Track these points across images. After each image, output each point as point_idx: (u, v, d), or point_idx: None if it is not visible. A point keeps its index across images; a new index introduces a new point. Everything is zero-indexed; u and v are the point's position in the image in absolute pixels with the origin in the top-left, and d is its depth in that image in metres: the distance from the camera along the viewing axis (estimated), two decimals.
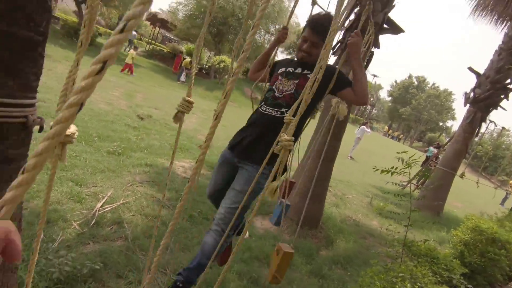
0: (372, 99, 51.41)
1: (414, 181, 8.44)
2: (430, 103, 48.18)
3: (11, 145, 0.79)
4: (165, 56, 19.59)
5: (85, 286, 1.63)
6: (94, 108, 5.21)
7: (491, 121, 6.85)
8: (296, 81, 1.65)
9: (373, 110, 57.06)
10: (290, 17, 2.11)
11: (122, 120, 5.17)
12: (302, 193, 3.55)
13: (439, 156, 8.42)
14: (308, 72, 1.64)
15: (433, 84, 51.39)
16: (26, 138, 0.84)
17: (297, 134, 1.62)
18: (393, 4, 3.49)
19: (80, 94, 0.26)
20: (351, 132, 12.88)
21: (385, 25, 3.56)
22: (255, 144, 1.60)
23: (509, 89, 6.13)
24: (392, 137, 43.01)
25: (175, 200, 3.06)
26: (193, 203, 3.11)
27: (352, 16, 3.34)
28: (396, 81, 54.53)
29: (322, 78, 1.63)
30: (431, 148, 11.05)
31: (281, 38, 1.84)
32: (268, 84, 1.83)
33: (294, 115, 1.48)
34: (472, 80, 6.62)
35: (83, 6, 14.37)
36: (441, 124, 51.03)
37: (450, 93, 48.90)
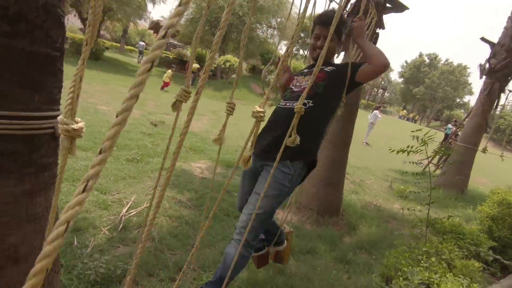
0: (383, 82, 50.19)
1: (434, 161, 8.23)
2: (445, 80, 46.52)
3: (44, 154, 0.86)
4: (171, 62, 19.87)
5: (119, 286, 1.72)
6: (109, 119, 5.38)
7: (510, 91, 6.59)
8: (307, 76, 1.65)
9: (385, 93, 55.69)
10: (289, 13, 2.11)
11: (137, 129, 5.31)
12: (319, 181, 3.55)
13: (458, 133, 8.17)
14: (324, 66, 1.62)
15: (446, 60, 49.57)
16: (55, 148, 0.91)
17: (319, 126, 1.57)
18: None
19: (136, 88, 0.32)
20: (364, 117, 12.66)
21: (388, 4, 3.50)
22: (277, 142, 1.41)
23: None
24: (408, 119, 41.90)
25: (195, 200, 3.14)
26: (213, 201, 3.18)
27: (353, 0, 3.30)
28: (406, 61, 52.98)
29: (338, 69, 1.60)
30: (449, 125, 10.73)
31: (286, 80, 1.79)
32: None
33: (307, 105, 1.48)
34: (486, 51, 6.37)
35: None
36: (458, 100, 49.23)
37: (465, 67, 47.02)
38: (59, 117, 0.54)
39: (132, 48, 30.88)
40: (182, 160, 4.31)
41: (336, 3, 2.79)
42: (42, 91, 0.82)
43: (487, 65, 6.16)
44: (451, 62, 48.65)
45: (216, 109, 10.29)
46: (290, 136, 1.03)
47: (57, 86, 0.88)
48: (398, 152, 2.17)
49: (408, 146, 2.06)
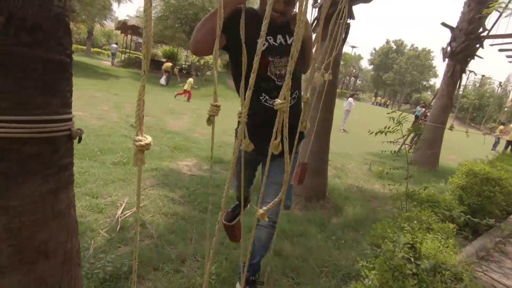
0: (354, 70, 51.66)
1: (408, 142, 8.73)
2: (411, 65, 48.72)
3: (63, 155, 0.92)
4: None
5: (127, 282, 1.78)
6: (87, 125, 5.25)
7: (471, 71, 7.11)
8: (287, 58, 1.43)
9: (358, 81, 57.38)
10: None
11: (118, 132, 5.23)
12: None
13: (427, 114, 8.69)
14: (292, 40, 1.40)
15: (412, 45, 51.86)
16: (71, 148, 0.97)
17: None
18: None
19: None
20: (339, 106, 13.08)
21: None
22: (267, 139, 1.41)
23: (483, 37, 6.35)
24: (379, 104, 43.55)
25: (187, 196, 3.20)
26: (205, 196, 3.26)
27: None
28: (375, 49, 54.82)
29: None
30: (418, 107, 11.34)
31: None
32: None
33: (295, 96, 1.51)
34: (448, 35, 6.82)
35: None
36: (424, 83, 51.78)
37: (429, 51, 49.46)
38: (135, 137, 0.60)
39: (99, 50, 29.60)
40: (169, 159, 4.33)
41: None
42: (58, 96, 0.88)
43: (449, 49, 6.61)
44: (416, 47, 50.94)
45: (195, 107, 10.24)
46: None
47: (69, 90, 0.94)
48: (376, 133, 2.36)
49: (385, 127, 2.24)
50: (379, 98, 49.70)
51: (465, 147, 12.74)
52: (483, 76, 8.11)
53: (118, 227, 2.38)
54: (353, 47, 41.49)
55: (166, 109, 8.93)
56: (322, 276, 2.19)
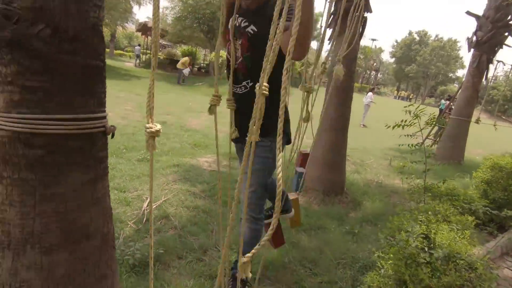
0: (375, 63, 50.18)
1: (431, 136, 8.45)
2: (436, 56, 46.65)
3: (100, 149, 1.04)
4: (163, 63, 19.85)
5: (154, 268, 1.92)
6: (113, 124, 5.52)
7: (499, 61, 6.78)
8: (239, 41, 1.41)
9: (378, 75, 55.72)
10: None
11: (141, 131, 5.47)
12: (322, 164, 3.75)
13: (452, 107, 8.37)
14: (246, 24, 1.38)
15: (436, 36, 49.63)
16: (106, 143, 1.09)
17: (272, 96, 1.52)
18: None
19: None
20: (358, 101, 12.83)
21: None
22: (244, 126, 1.30)
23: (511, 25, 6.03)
24: (402, 98, 42.13)
25: (208, 191, 3.33)
26: (224, 190, 3.37)
27: None
28: (396, 41, 52.96)
29: (261, 30, 1.27)
30: (443, 101, 10.93)
31: None
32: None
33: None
34: (473, 24, 6.53)
35: None
36: (450, 75, 49.45)
37: (455, 41, 47.12)
38: (146, 125, 0.71)
39: (122, 52, 30.64)
40: (189, 156, 4.49)
41: None
42: (94, 97, 1.00)
43: (474, 38, 6.33)
44: (441, 38, 48.71)
45: None
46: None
47: (103, 92, 1.05)
48: (393, 127, 2.36)
49: (402, 121, 2.24)
50: (402, 92, 48.08)
51: (494, 141, 12.13)
52: None
53: (144, 219, 2.54)
54: (373, 40, 40.35)
55: (185, 108, 9.18)
56: (339, 268, 2.24)
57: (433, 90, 50.47)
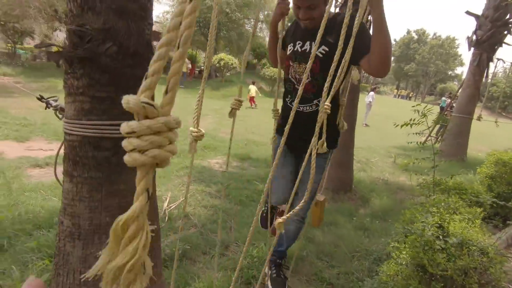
0: None
1: (433, 135, 8.58)
2: (435, 54, 46.83)
3: None
4: (164, 67, 19.95)
5: (182, 262, 2.05)
6: None
7: (499, 59, 6.89)
8: (304, 65, 1.46)
9: None
10: None
11: None
12: (331, 162, 3.87)
13: (453, 105, 8.50)
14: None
15: (434, 34, 49.80)
16: None
17: (335, 113, 1.56)
18: None
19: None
20: (361, 100, 12.98)
21: None
22: (306, 142, 1.19)
23: (511, 23, 6.17)
24: (402, 97, 42.27)
25: (222, 191, 3.45)
26: (237, 190, 3.50)
27: None
28: (395, 40, 53.14)
29: (334, 49, 1.13)
30: (443, 98, 11.05)
31: (283, 10, 1.46)
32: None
33: (330, 101, 1.51)
34: (473, 22, 6.66)
35: None
36: (450, 73, 49.60)
37: (453, 39, 47.29)
38: (190, 128, 0.85)
39: None
40: (200, 158, 4.62)
41: None
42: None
43: (474, 37, 6.46)
44: (439, 36, 48.89)
45: (218, 107, 10.56)
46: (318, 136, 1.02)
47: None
48: (402, 126, 2.48)
49: (410, 120, 2.37)
50: (402, 90, 48.22)
51: (496, 138, 12.24)
52: None
53: (166, 218, 2.66)
54: None
55: (190, 111, 9.29)
56: (354, 260, 2.36)
57: (433, 88, 50.62)
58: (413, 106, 2.42)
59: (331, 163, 3.83)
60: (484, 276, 1.35)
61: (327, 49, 1.38)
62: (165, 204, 2.87)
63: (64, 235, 1.05)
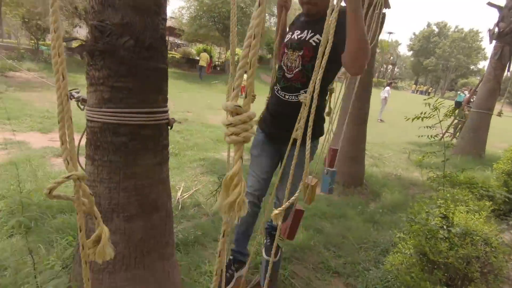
0: (391, 57, 49.01)
1: (451, 130, 8.35)
2: (456, 48, 45.05)
3: (164, 137, 1.26)
4: (179, 62, 20.24)
5: (194, 248, 2.15)
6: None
7: None
8: (299, 53, 1.39)
9: (395, 69, 54.40)
10: None
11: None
12: (342, 156, 3.88)
13: (472, 100, 8.23)
14: (312, 34, 1.37)
15: (456, 27, 47.86)
16: (168, 133, 1.30)
17: (321, 104, 1.50)
18: None
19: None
20: (376, 96, 12.74)
21: None
22: (290, 131, 1.16)
23: None
24: (421, 92, 41.05)
25: None
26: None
27: None
28: (414, 33, 51.46)
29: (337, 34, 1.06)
30: (459, 92, 10.70)
31: (283, 4, 1.54)
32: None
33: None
34: (496, 14, 6.42)
35: None
36: (472, 67, 47.65)
37: (477, 32, 45.29)
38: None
39: None
40: (213, 150, 4.73)
41: None
42: (161, 94, 1.21)
43: (496, 29, 6.22)
44: (462, 29, 46.93)
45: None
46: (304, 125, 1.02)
47: (167, 90, 1.26)
48: (413, 119, 2.47)
49: (421, 113, 2.35)
50: (420, 86, 46.80)
51: None
52: None
53: (180, 206, 2.78)
54: (390, 33, 39.45)
55: (204, 105, 9.45)
56: (362, 251, 2.40)
57: (453, 83, 48.82)
58: (424, 100, 2.41)
59: (340, 157, 3.86)
60: (487, 266, 1.37)
61: (321, 38, 1.34)
62: (179, 193, 2.99)
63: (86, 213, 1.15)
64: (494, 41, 6.32)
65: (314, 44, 1.37)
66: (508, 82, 8.25)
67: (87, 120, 1.15)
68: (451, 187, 2.39)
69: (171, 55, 24.05)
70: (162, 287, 1.26)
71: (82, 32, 14.30)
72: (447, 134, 8.00)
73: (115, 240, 1.15)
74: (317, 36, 1.37)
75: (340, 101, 2.06)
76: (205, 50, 19.10)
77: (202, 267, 1.96)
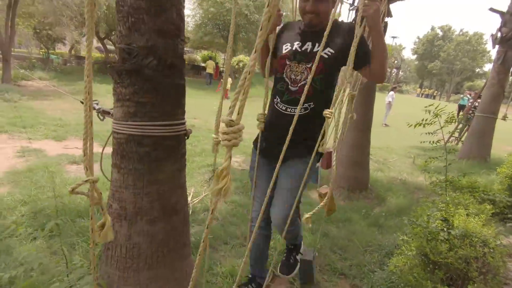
0: (396, 61, 48.99)
1: (455, 135, 8.36)
2: (461, 51, 44.87)
3: (182, 147, 1.37)
4: (185, 68, 20.50)
5: (205, 250, 2.25)
6: None
7: None
8: (308, 65, 1.37)
9: (400, 72, 54.31)
10: None
11: None
12: (346, 162, 3.97)
13: (476, 105, 8.25)
14: (322, 47, 1.23)
15: (461, 30, 47.74)
16: (185, 142, 1.42)
17: (323, 118, 1.31)
18: None
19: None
20: (380, 100, 12.79)
21: None
22: (290, 147, 1.10)
23: None
24: (426, 96, 40.89)
25: (241, 188, 3.65)
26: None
27: None
28: (418, 37, 51.43)
29: (339, 52, 1.30)
30: (462, 95, 10.70)
31: (274, 22, 1.41)
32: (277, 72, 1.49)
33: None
34: (498, 20, 6.49)
35: (105, 41, 15.67)
36: (477, 70, 47.34)
37: (481, 35, 45.10)
38: (213, 135, 1.03)
39: None
40: (221, 156, 4.83)
41: None
42: (180, 107, 1.33)
43: (499, 35, 6.28)
44: (467, 32, 46.78)
45: None
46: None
47: (184, 103, 1.38)
48: (415, 126, 2.56)
49: (423, 120, 2.44)
50: (426, 89, 46.62)
51: None
52: None
53: (190, 211, 2.88)
54: (393, 37, 39.52)
55: (210, 111, 9.61)
56: (367, 254, 2.47)
57: (459, 86, 48.52)
58: (426, 107, 2.50)
59: (344, 162, 3.94)
60: (485, 266, 1.45)
61: (332, 51, 1.37)
62: (189, 199, 3.10)
63: (113, 216, 1.27)
64: (497, 46, 6.38)
65: (326, 56, 1.37)
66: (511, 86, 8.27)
67: (114, 131, 1.27)
68: (453, 191, 2.46)
69: None
70: (180, 285, 1.37)
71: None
72: (452, 139, 8.02)
73: (139, 241, 1.26)
74: (328, 48, 1.38)
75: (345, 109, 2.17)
76: (210, 57, 19.45)
77: (214, 269, 2.06)
